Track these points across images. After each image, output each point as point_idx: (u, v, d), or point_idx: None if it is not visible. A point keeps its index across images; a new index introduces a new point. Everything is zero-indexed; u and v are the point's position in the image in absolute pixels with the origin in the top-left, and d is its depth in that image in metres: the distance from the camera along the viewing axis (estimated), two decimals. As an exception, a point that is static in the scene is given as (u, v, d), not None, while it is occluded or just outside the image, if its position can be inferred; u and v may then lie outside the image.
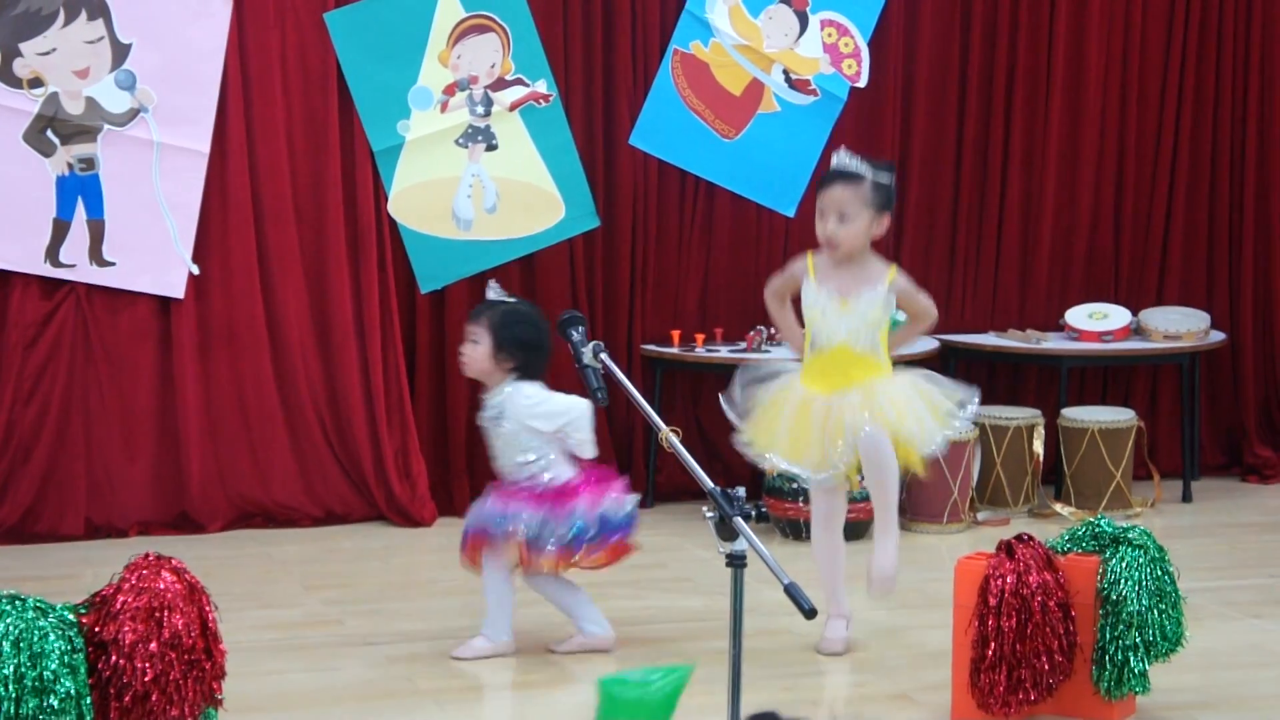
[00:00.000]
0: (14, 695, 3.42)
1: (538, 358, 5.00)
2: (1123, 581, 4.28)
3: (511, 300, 5.09)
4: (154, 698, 3.58)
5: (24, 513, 6.38)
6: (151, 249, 6.47)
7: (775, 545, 6.46)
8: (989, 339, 7.40)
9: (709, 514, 3.16)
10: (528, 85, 6.89)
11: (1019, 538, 4.37)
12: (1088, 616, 4.31)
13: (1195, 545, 6.39)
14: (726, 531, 3.15)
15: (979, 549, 4.61)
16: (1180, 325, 7.38)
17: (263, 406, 6.64)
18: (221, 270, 6.58)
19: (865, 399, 4.89)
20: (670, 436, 3.37)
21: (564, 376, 6.83)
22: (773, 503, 6.55)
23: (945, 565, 4.84)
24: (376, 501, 6.73)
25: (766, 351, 6.86)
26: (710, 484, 3.19)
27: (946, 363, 7.28)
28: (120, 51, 6.41)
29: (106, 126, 6.40)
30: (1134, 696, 4.40)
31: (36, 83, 6.33)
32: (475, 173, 6.88)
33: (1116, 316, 7.38)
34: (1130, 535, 4.37)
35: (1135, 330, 7.41)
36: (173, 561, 3.73)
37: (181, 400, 6.52)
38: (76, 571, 5.84)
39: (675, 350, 7.03)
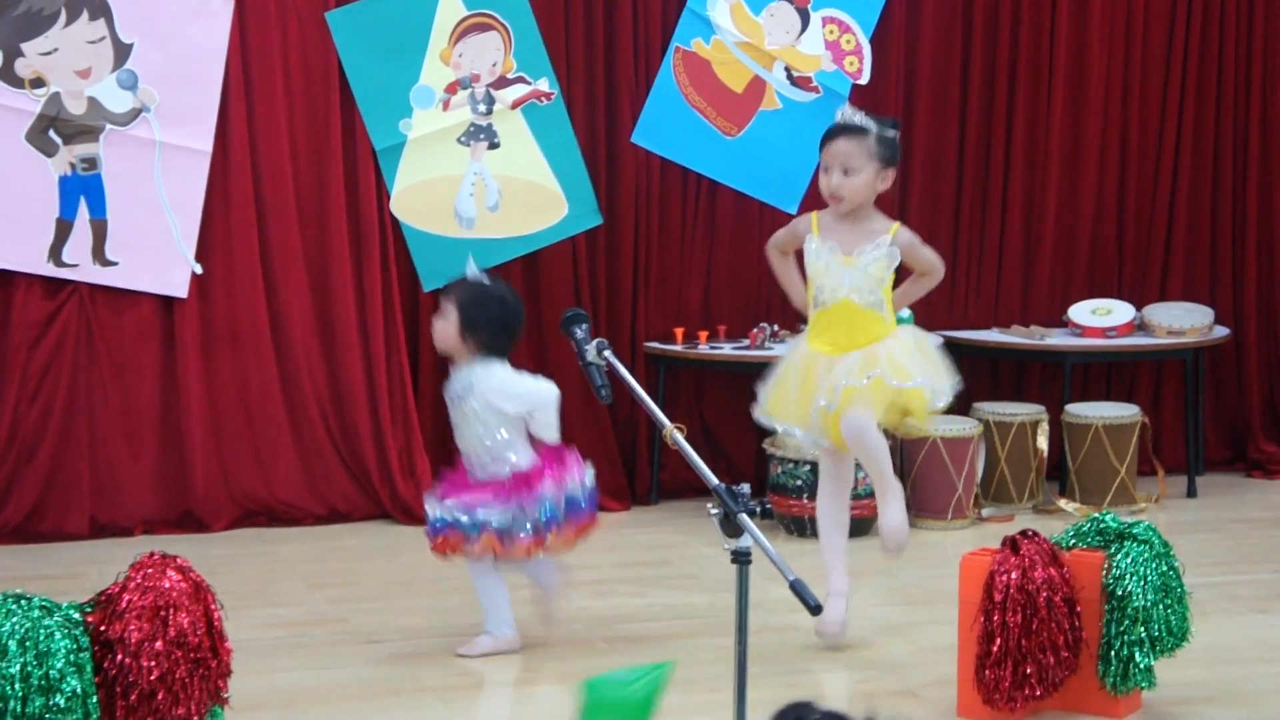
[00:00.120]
0: (20, 694, 3.43)
1: (505, 337, 4.98)
2: (1128, 577, 4.27)
3: (485, 278, 5.07)
4: (160, 696, 3.58)
5: (29, 512, 6.38)
6: (154, 248, 6.47)
7: (780, 542, 6.46)
8: (993, 335, 7.40)
9: (714, 511, 3.16)
10: (529, 83, 6.89)
11: (1024, 533, 4.36)
12: (1093, 612, 4.31)
13: (1200, 541, 6.39)
14: (731, 528, 3.15)
15: (984, 545, 4.61)
16: (1184, 320, 7.38)
17: (266, 405, 6.64)
18: (224, 269, 6.58)
19: (864, 361, 4.88)
20: (674, 433, 3.37)
21: (568, 374, 6.87)
22: (777, 499, 6.55)
23: (950, 561, 4.83)
24: (380, 500, 6.74)
25: (770, 349, 6.86)
26: (715, 481, 3.19)
27: (950, 359, 7.27)
28: (122, 51, 6.41)
29: (109, 126, 6.41)
30: (1139, 692, 4.40)
31: (38, 83, 6.33)
32: (477, 171, 6.88)
33: (1120, 312, 7.38)
34: (1135, 530, 4.37)
35: (1139, 326, 7.41)
36: (178, 560, 3.73)
37: (185, 399, 6.53)
38: (81, 570, 5.84)
39: (678, 348, 7.03)
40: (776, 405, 5.08)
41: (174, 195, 6.47)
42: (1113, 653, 4.29)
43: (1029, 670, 4.23)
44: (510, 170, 6.91)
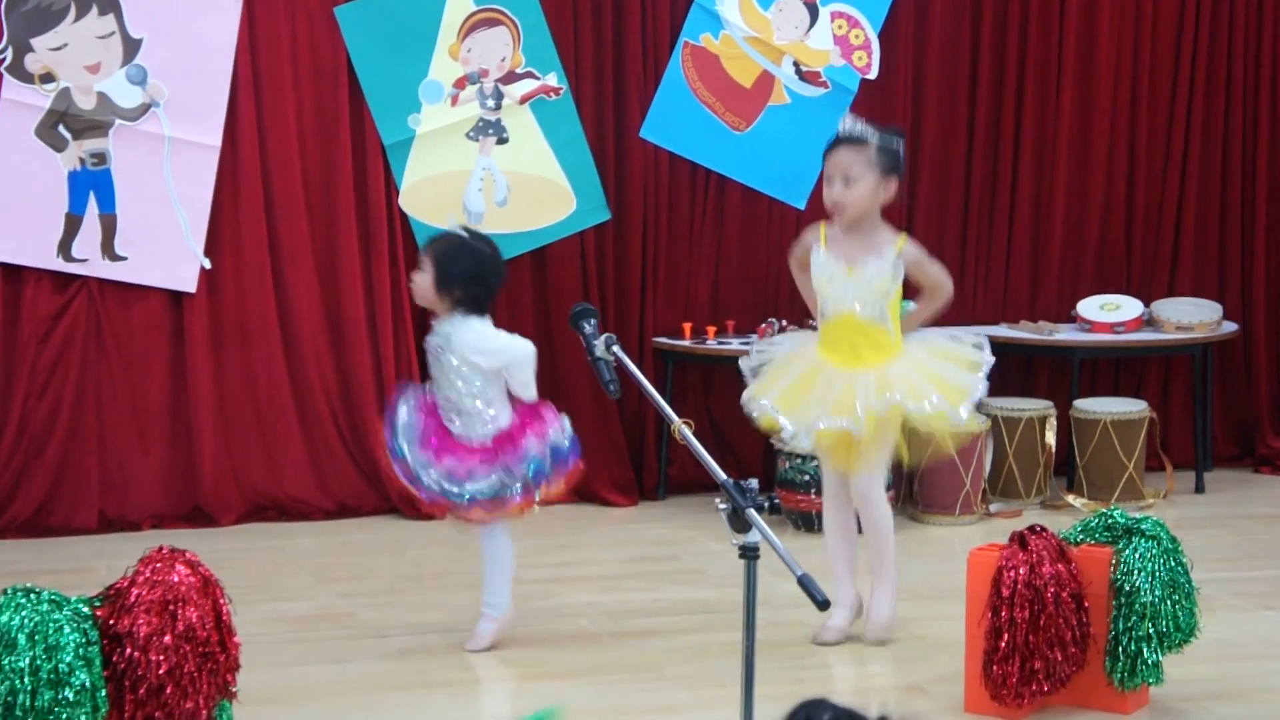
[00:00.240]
0: (30, 688, 3.43)
1: (481, 290, 4.95)
2: (1136, 572, 4.27)
3: (463, 233, 5.06)
4: (168, 690, 3.59)
5: (38, 506, 6.39)
6: (163, 243, 6.48)
7: (788, 537, 6.45)
8: (1001, 330, 7.38)
9: (721, 506, 3.16)
10: (538, 78, 6.89)
11: (1032, 529, 4.36)
12: (1101, 607, 4.31)
13: (1208, 536, 6.38)
14: (739, 523, 3.15)
15: (991, 540, 4.61)
16: (1192, 316, 7.37)
17: (275, 400, 6.65)
18: (233, 264, 6.59)
19: (880, 383, 4.87)
20: (682, 428, 3.37)
21: (576, 369, 6.88)
22: (785, 494, 6.56)
23: (958, 557, 4.83)
24: (388, 494, 6.74)
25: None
26: (723, 476, 3.19)
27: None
28: (131, 46, 6.41)
29: (118, 121, 6.41)
30: (1147, 687, 4.40)
31: (48, 78, 6.34)
32: (486, 166, 6.89)
33: (1128, 308, 7.37)
34: (1143, 526, 4.37)
35: (1147, 321, 7.39)
36: (186, 555, 3.74)
37: (194, 394, 6.54)
38: (90, 565, 5.85)
39: (687, 343, 7.03)
40: (765, 390, 5.05)
41: (183, 190, 6.48)
42: (1120, 648, 4.28)
43: (1036, 666, 4.23)
44: (519, 165, 6.91)
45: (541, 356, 6.94)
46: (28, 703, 3.43)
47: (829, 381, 4.95)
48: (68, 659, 3.48)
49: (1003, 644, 4.23)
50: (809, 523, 6.45)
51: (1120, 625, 4.29)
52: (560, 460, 4.92)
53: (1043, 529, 4.37)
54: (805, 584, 3.06)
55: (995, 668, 4.25)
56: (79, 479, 6.44)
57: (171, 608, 3.62)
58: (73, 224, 6.40)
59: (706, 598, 5.61)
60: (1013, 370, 7.58)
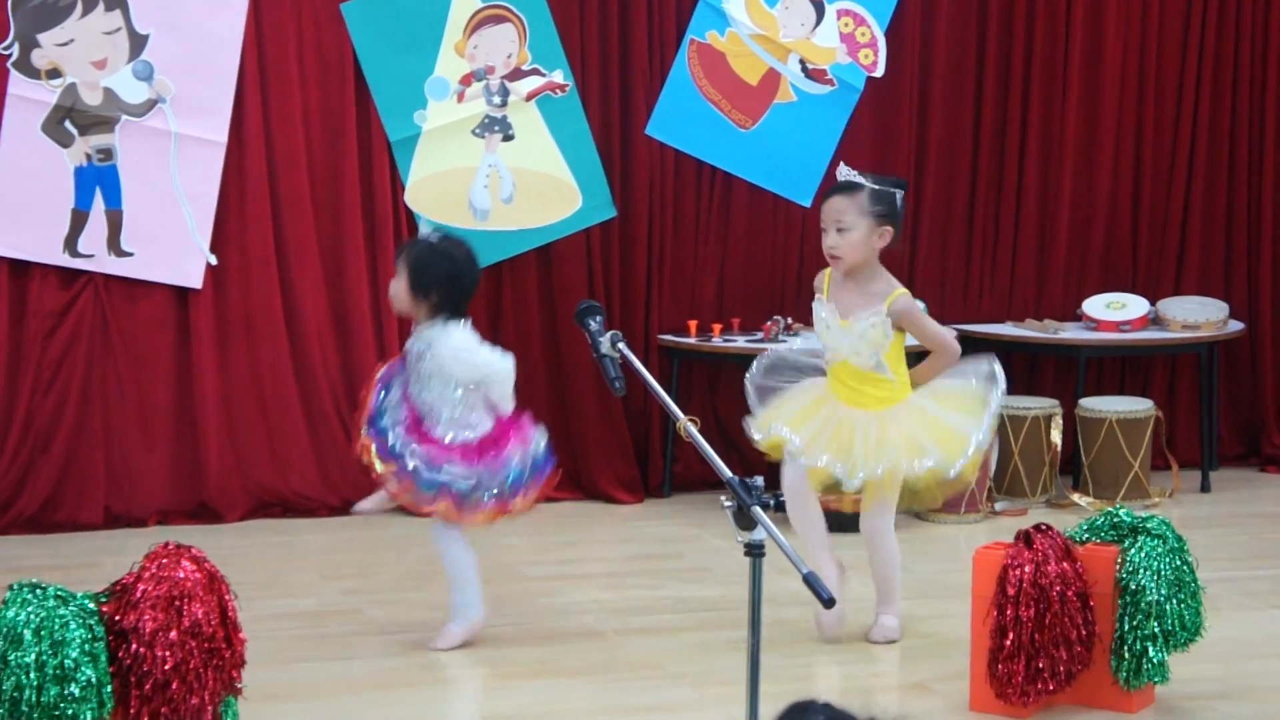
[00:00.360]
0: (35, 683, 3.44)
1: (457, 293, 4.94)
2: (1141, 571, 4.27)
3: (435, 238, 5.06)
4: (174, 686, 3.59)
5: (43, 502, 6.40)
6: (169, 239, 6.48)
7: (792, 535, 6.44)
8: (1006, 329, 7.39)
9: (727, 503, 3.16)
10: (544, 75, 6.89)
11: (1037, 527, 4.36)
12: (1106, 606, 4.31)
13: (1214, 535, 6.38)
14: (745, 521, 3.14)
15: (997, 539, 4.61)
16: (1198, 315, 7.36)
17: (281, 396, 6.65)
18: (239, 260, 6.59)
19: (879, 442, 4.86)
20: (688, 426, 3.37)
21: (582, 366, 6.88)
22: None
23: (963, 555, 4.83)
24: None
25: (784, 341, 6.86)
26: (728, 473, 3.19)
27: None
28: (138, 42, 6.42)
29: (124, 117, 6.42)
30: (1153, 686, 4.39)
31: (54, 73, 6.34)
32: (492, 163, 6.89)
33: (1134, 306, 7.36)
34: (1149, 525, 4.37)
35: (1153, 320, 7.39)
36: (192, 550, 3.74)
37: (200, 390, 6.54)
38: (96, 560, 5.86)
39: (692, 340, 7.03)
40: (775, 416, 5.05)
41: (189, 186, 6.48)
42: (1126, 647, 4.28)
43: (1042, 665, 4.22)
44: (524, 162, 6.91)
45: (547, 353, 7.02)
46: (34, 698, 3.43)
47: (832, 412, 4.97)
48: (73, 654, 3.48)
49: (1008, 642, 4.23)
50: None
51: (1126, 624, 4.28)
52: (537, 472, 4.92)
53: (1048, 528, 4.37)
54: (810, 582, 3.06)
55: (1000, 666, 4.25)
56: (85, 475, 6.45)
57: (177, 604, 3.62)
58: (79, 219, 6.40)
59: (711, 595, 5.61)
60: (1018, 369, 7.57)
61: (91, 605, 3.61)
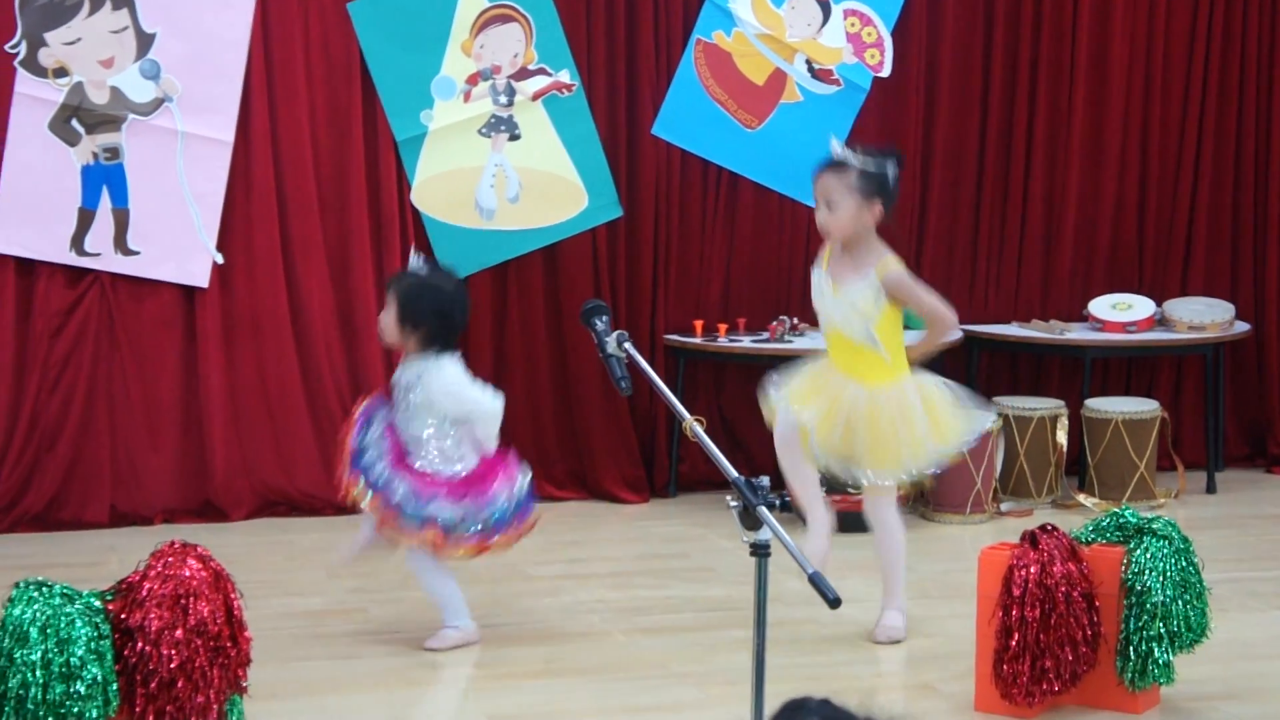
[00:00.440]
0: (41, 681, 3.44)
1: (446, 328, 4.96)
2: (1147, 572, 4.27)
3: (425, 270, 5.07)
4: (180, 684, 3.59)
5: (49, 500, 6.41)
6: (176, 238, 6.49)
7: (799, 535, 6.43)
8: (1012, 329, 7.38)
9: (733, 503, 3.16)
10: (550, 75, 6.89)
11: (1043, 528, 4.36)
12: (1112, 607, 4.30)
13: (1219, 536, 6.37)
14: (750, 521, 3.14)
15: (1002, 539, 4.61)
16: (1204, 316, 7.35)
17: (286, 395, 6.66)
18: (245, 259, 6.60)
19: (869, 418, 4.89)
20: (694, 426, 3.37)
21: (587, 365, 6.88)
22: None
23: (969, 555, 4.83)
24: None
25: (789, 341, 6.86)
26: (734, 473, 3.18)
27: (970, 353, 7.28)
28: (145, 41, 6.43)
29: (131, 116, 6.43)
30: (1158, 687, 4.39)
31: (61, 72, 6.35)
32: (498, 162, 6.89)
33: (1140, 307, 7.36)
34: (1155, 526, 4.36)
35: (1159, 321, 7.38)
36: (198, 549, 3.74)
37: (205, 389, 6.55)
38: (102, 559, 5.87)
39: (698, 340, 7.03)
40: (794, 395, 5.10)
41: (196, 185, 6.49)
42: (1131, 648, 4.28)
43: (1047, 665, 4.22)
44: (531, 162, 6.91)
45: (552, 353, 7.02)
46: (39, 696, 3.44)
47: (829, 377, 5.03)
48: (79, 653, 3.48)
49: (1013, 643, 4.23)
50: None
51: (1131, 625, 4.28)
52: (521, 510, 4.93)
53: (1054, 528, 4.37)
54: (816, 582, 3.06)
55: (1006, 667, 4.25)
56: (91, 473, 6.46)
57: (183, 602, 3.63)
58: (85, 218, 6.41)
59: (717, 595, 5.61)
60: (1024, 369, 7.58)
61: (97, 603, 3.61)
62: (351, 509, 5.06)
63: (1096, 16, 7.49)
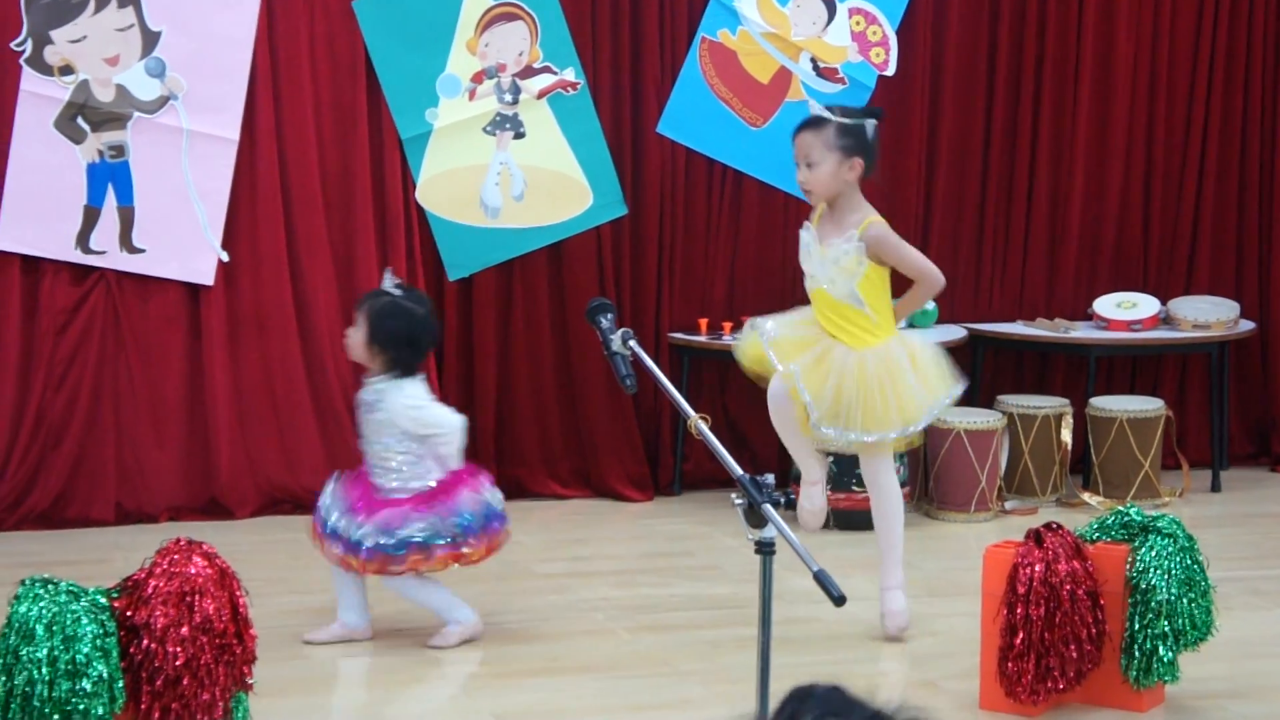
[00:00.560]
0: (47, 678, 3.45)
1: (411, 352, 5.02)
2: (1152, 570, 4.27)
3: (397, 292, 5.10)
4: (185, 681, 3.60)
5: (55, 498, 6.42)
6: (181, 236, 6.49)
7: (803, 533, 6.45)
8: (1017, 328, 7.38)
9: (737, 501, 3.16)
10: (556, 73, 6.89)
11: (1048, 526, 4.36)
12: (1117, 605, 4.31)
13: (1224, 535, 6.37)
14: (755, 519, 3.15)
15: (1007, 537, 4.61)
16: (1209, 314, 7.35)
17: (291, 393, 6.66)
18: (250, 257, 6.60)
19: (859, 378, 4.90)
20: (699, 423, 3.37)
21: (592, 363, 6.88)
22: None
23: (973, 553, 4.83)
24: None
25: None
26: (739, 471, 3.19)
27: (975, 352, 7.27)
28: (150, 39, 6.43)
29: (136, 114, 6.43)
30: (1163, 685, 4.40)
31: (67, 70, 6.36)
32: (503, 160, 6.89)
33: (1145, 305, 7.35)
34: (1160, 524, 4.36)
35: (1164, 319, 7.38)
36: (203, 546, 3.75)
37: (211, 387, 6.55)
38: (107, 556, 5.87)
39: (703, 338, 7.03)
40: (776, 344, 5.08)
41: (201, 183, 6.49)
42: (1136, 646, 4.28)
43: (1052, 663, 4.22)
44: (536, 160, 6.92)
45: (557, 351, 7.02)
46: (45, 693, 3.44)
47: (816, 335, 5.02)
48: (85, 650, 3.49)
49: (1018, 641, 4.23)
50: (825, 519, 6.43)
51: (1136, 623, 4.28)
52: (491, 520, 4.94)
53: (1059, 526, 4.37)
54: (821, 579, 3.06)
55: (1010, 665, 4.25)
56: (96, 471, 6.46)
57: (189, 599, 3.64)
58: (91, 216, 6.42)
59: (721, 593, 5.61)
60: (1029, 368, 7.58)
61: (103, 601, 3.62)
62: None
63: (1101, 14, 7.48)
